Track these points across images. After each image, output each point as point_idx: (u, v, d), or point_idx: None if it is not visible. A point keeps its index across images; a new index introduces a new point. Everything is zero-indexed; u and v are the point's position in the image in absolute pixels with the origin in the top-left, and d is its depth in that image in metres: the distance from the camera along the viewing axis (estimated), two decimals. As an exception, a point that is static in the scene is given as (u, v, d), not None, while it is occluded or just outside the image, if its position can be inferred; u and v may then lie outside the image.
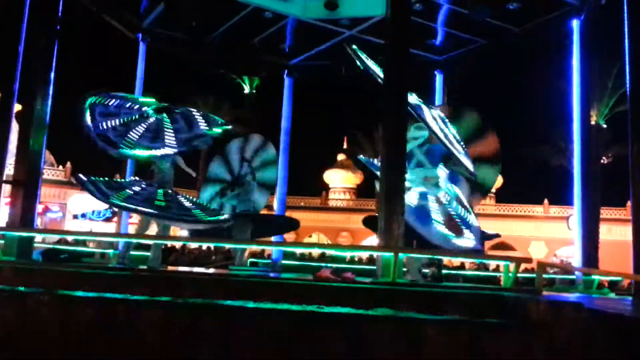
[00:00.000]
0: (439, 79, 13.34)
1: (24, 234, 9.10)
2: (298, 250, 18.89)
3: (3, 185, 10.07)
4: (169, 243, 14.83)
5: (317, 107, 37.65)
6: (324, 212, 42.25)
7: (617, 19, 10.33)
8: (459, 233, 9.37)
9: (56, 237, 15.40)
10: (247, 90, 32.14)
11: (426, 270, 9.74)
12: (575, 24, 10.69)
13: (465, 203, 10.00)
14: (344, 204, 43.98)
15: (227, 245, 12.85)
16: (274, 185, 12.83)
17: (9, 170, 9.97)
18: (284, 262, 13.59)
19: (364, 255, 19.13)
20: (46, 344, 6.06)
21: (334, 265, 12.48)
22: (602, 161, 29.66)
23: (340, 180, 46.54)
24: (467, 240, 9.42)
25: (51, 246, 12.37)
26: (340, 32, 12.53)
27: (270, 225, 11.94)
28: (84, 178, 9.32)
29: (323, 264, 13.45)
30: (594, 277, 9.70)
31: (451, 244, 9.11)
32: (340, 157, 47.02)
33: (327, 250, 17.11)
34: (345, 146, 46.69)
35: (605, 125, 29.13)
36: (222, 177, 12.15)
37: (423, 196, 9.57)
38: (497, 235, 11.72)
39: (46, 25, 9.69)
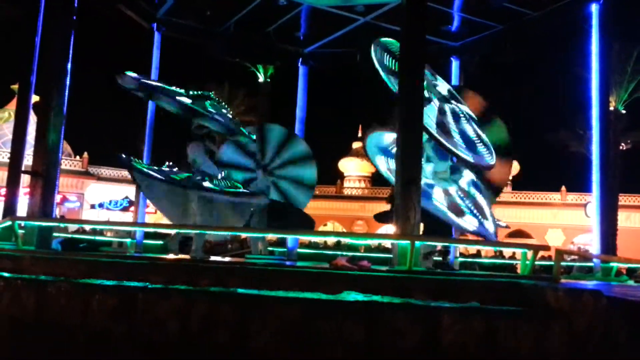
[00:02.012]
0: (455, 65, 13.20)
1: (44, 224, 9.21)
2: (313, 239, 18.92)
3: (22, 175, 10.21)
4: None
5: (332, 95, 37.57)
6: (339, 200, 42.27)
7: (637, 2, 10.15)
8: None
9: (75, 226, 15.60)
10: (261, 79, 32.00)
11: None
12: (594, 8, 10.51)
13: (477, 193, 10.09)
14: (359, 193, 43.99)
15: (243, 234, 12.85)
16: (311, 184, 12.11)
17: (27, 161, 10.09)
18: (299, 250, 13.63)
19: (377, 243, 19.11)
20: (66, 331, 6.15)
21: (350, 254, 12.48)
22: (620, 147, 29.24)
23: (355, 169, 46.49)
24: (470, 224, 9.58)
25: (70, 235, 12.51)
26: (355, 19, 12.44)
27: (284, 221, 11.34)
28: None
29: (339, 253, 13.45)
30: (612, 264, 9.62)
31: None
32: (355, 145, 46.93)
33: (342, 238, 17.07)
34: (360, 134, 46.57)
35: (624, 111, 28.66)
36: (241, 163, 11.71)
37: (446, 192, 9.66)
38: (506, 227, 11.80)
39: (62, 17, 9.72)
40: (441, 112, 9.82)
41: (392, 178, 9.48)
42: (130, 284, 6.43)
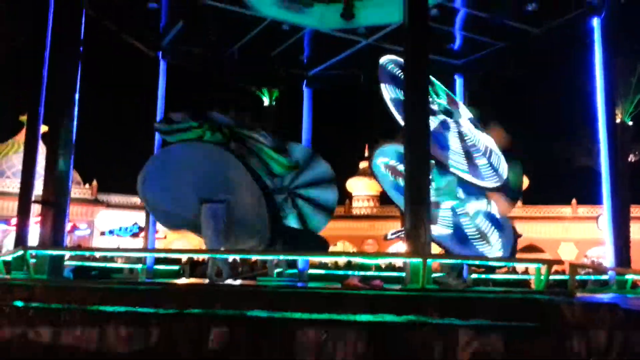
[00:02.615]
0: (459, 82, 13.25)
1: (55, 253, 9.22)
2: (324, 259, 18.80)
3: (33, 205, 10.25)
4: (196, 257, 14.96)
5: (338, 116, 37.67)
6: (348, 220, 42.08)
7: (638, 14, 10.22)
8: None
9: (85, 254, 15.60)
10: (266, 102, 32.12)
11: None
12: (595, 22, 10.57)
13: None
14: (368, 212, 43.86)
15: (254, 257, 12.81)
16: (331, 208, 11.84)
17: (37, 190, 10.13)
18: (310, 271, 13.53)
19: (391, 262, 18.99)
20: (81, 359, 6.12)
21: (362, 273, 12.39)
22: (629, 159, 29.05)
23: (363, 188, 46.42)
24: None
25: (81, 263, 12.51)
26: (357, 40, 12.54)
27: (297, 243, 11.22)
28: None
29: (350, 272, 13.37)
30: (627, 276, 9.53)
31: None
32: (363, 164, 46.89)
33: (353, 258, 16.96)
34: (366, 154, 46.53)
35: (630, 123, 28.50)
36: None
37: (453, 212, 9.66)
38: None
39: (69, 47, 9.83)
40: (444, 125, 9.85)
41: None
42: (144, 310, 6.40)
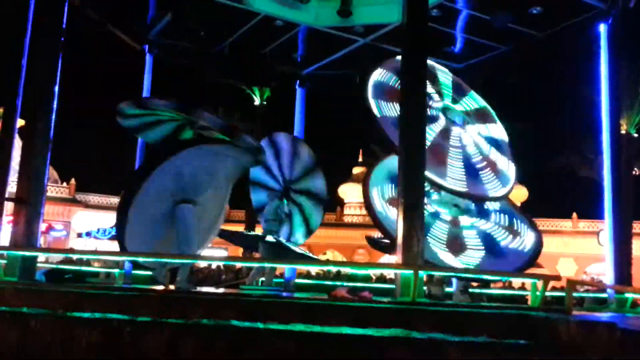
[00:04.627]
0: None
1: (27, 254, 8.80)
2: (312, 269, 18.40)
3: (5, 203, 9.81)
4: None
5: (332, 118, 37.23)
6: (339, 228, 41.64)
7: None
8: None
9: (60, 256, 15.02)
10: (257, 101, 31.75)
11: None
12: (602, 28, 10.32)
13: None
14: (360, 220, 43.34)
15: (238, 264, 12.39)
16: (323, 196, 11.27)
17: (12, 187, 9.71)
18: (297, 281, 13.14)
19: (383, 273, 18.66)
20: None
21: (351, 284, 12.03)
22: (634, 172, 28.69)
23: (356, 195, 45.95)
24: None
25: (55, 266, 12.00)
26: (354, 40, 12.21)
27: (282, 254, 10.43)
28: None
29: (339, 283, 13.00)
30: (627, 295, 9.32)
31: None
32: (356, 170, 46.53)
33: (342, 268, 16.56)
34: (360, 159, 46.22)
35: (636, 135, 28.14)
36: (269, 184, 10.89)
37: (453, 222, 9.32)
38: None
39: (50, 38, 9.50)
40: (444, 134, 9.46)
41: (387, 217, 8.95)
42: (117, 316, 6.08)
